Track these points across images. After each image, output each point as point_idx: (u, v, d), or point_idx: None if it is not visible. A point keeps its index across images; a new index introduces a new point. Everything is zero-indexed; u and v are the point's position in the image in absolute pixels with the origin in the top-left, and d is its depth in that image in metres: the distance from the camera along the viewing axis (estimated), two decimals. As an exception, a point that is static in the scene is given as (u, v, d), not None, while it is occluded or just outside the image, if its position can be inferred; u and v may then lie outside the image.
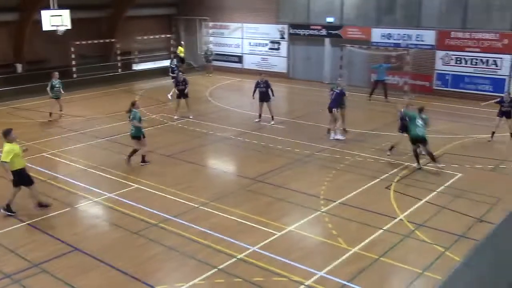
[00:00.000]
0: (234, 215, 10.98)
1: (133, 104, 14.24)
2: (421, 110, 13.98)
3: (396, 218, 10.81)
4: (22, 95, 23.71)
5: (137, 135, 14.20)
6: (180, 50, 30.97)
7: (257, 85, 18.86)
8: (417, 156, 13.75)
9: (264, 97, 18.73)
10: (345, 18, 26.31)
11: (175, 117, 19.47)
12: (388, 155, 14.77)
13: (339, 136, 16.62)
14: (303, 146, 15.82)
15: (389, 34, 24.71)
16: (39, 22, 23.58)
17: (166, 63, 31.31)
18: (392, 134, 16.96)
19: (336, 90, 16.92)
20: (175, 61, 26.58)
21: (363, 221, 10.65)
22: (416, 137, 13.54)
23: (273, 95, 18.84)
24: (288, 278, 8.56)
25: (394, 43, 24.51)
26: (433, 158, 13.64)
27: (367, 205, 11.48)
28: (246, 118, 19.63)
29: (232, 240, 9.84)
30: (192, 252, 9.43)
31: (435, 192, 12.18)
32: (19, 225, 10.65)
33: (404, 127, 14.28)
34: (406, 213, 11.01)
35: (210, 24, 31.33)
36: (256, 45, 29.82)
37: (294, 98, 24.49)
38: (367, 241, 9.79)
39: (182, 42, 31.56)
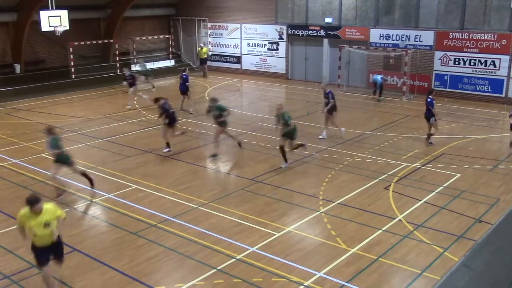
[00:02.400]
0: (233, 216, 10.99)
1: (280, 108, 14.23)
2: (279, 108, 14.10)
3: (395, 218, 10.82)
4: (21, 96, 23.69)
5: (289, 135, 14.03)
6: (200, 51, 30.18)
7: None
8: (284, 155, 14.04)
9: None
10: (344, 18, 26.34)
11: (191, 110, 20.65)
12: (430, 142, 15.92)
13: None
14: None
15: (388, 34, 24.74)
16: (37, 23, 23.61)
17: (164, 63, 31.42)
18: (391, 134, 17.02)
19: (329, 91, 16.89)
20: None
21: (362, 222, 10.67)
22: (293, 134, 13.96)
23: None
24: (287, 278, 8.57)
25: (392, 43, 24.55)
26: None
27: (366, 205, 11.50)
28: (244, 118, 19.64)
29: (231, 241, 9.85)
30: (191, 253, 9.44)
31: (434, 193, 12.20)
32: (18, 225, 10.63)
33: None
34: (405, 214, 11.03)
35: (209, 24, 31.35)
36: (254, 46, 29.83)
37: (293, 98, 24.49)
38: (366, 241, 9.81)
39: (202, 45, 30.53)
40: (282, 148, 14.04)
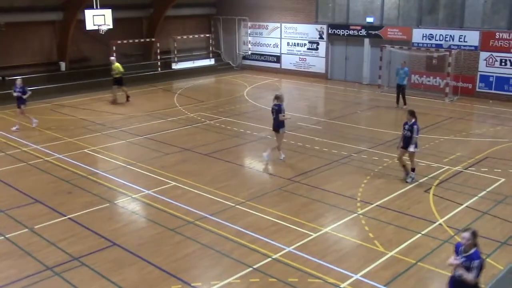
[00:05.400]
0: (270, 215, 10.98)
1: None
2: None
3: (435, 222, 10.58)
4: (66, 93, 24.32)
5: None
6: (114, 67, 22.95)
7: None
8: None
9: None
10: (386, 18, 25.92)
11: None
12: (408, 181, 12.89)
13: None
14: (340, 147, 15.66)
15: (431, 34, 24.20)
16: (82, 22, 24.22)
17: (204, 62, 31.72)
18: (432, 136, 16.63)
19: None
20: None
21: (401, 225, 10.47)
22: None
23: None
24: (323, 279, 8.50)
25: (435, 44, 24.00)
26: None
27: (405, 208, 11.28)
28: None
29: (268, 240, 9.84)
30: (228, 251, 9.48)
31: (476, 197, 11.86)
32: (61, 219, 10.93)
33: None
34: (445, 218, 10.77)
35: (249, 24, 31.44)
36: (294, 45, 29.73)
37: (332, 98, 24.29)
38: (404, 245, 9.63)
39: (112, 58, 23.76)
40: None
